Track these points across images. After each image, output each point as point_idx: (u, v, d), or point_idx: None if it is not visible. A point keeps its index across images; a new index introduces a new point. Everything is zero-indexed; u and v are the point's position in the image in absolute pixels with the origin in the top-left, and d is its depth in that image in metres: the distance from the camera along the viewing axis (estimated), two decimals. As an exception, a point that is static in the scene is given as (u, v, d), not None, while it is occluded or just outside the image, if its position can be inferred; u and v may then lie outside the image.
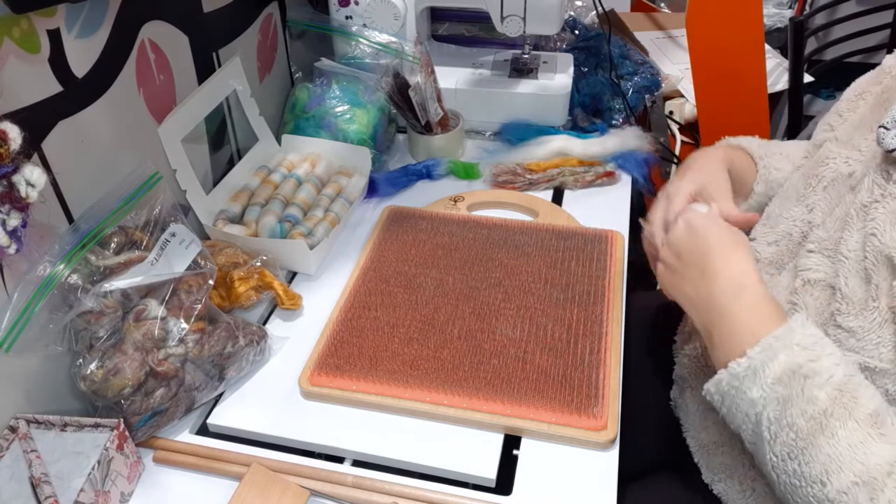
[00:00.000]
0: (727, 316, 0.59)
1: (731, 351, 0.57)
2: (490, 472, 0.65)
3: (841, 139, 0.69)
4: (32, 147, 0.63)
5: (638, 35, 1.44)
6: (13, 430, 0.65)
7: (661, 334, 0.86)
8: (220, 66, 0.94)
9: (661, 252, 0.68)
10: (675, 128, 1.33)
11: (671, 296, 0.67)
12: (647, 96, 1.23)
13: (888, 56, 0.70)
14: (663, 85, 1.27)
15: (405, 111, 1.04)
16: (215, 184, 0.95)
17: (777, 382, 0.53)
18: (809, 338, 0.54)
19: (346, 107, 1.03)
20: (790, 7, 1.89)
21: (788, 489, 0.54)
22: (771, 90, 1.42)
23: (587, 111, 1.16)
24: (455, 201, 0.98)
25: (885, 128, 0.58)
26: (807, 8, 1.87)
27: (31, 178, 0.56)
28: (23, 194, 0.56)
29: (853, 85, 0.73)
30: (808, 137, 0.80)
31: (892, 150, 0.57)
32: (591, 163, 1.03)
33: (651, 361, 0.87)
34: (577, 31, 1.32)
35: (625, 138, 1.05)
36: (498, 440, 0.68)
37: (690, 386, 0.75)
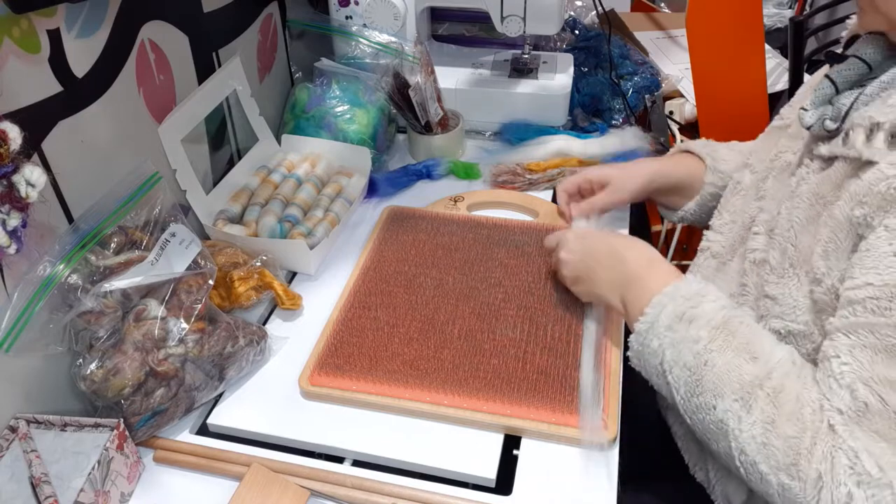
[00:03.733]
0: (640, 282, 0.67)
1: (639, 313, 0.64)
2: (490, 472, 0.65)
3: (792, 133, 0.71)
4: (32, 147, 0.63)
5: (638, 35, 1.44)
6: (13, 430, 0.65)
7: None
8: (220, 66, 0.94)
9: (563, 264, 0.76)
10: (675, 128, 1.33)
11: (589, 295, 0.75)
12: (647, 96, 1.23)
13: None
14: (663, 85, 1.27)
15: (405, 111, 1.04)
16: (215, 184, 0.95)
17: (668, 329, 0.61)
18: (693, 288, 0.62)
19: (346, 107, 1.03)
20: (790, 7, 1.89)
21: (699, 426, 0.59)
22: (771, 90, 1.42)
23: (587, 111, 1.16)
24: (455, 201, 0.98)
25: (805, 109, 0.62)
26: (807, 8, 1.87)
27: (31, 178, 0.56)
28: (23, 194, 0.56)
29: (812, 76, 0.76)
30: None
31: (810, 127, 0.61)
32: (591, 163, 1.03)
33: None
34: (577, 31, 1.32)
35: (625, 138, 1.05)
36: (498, 440, 0.68)
37: None
